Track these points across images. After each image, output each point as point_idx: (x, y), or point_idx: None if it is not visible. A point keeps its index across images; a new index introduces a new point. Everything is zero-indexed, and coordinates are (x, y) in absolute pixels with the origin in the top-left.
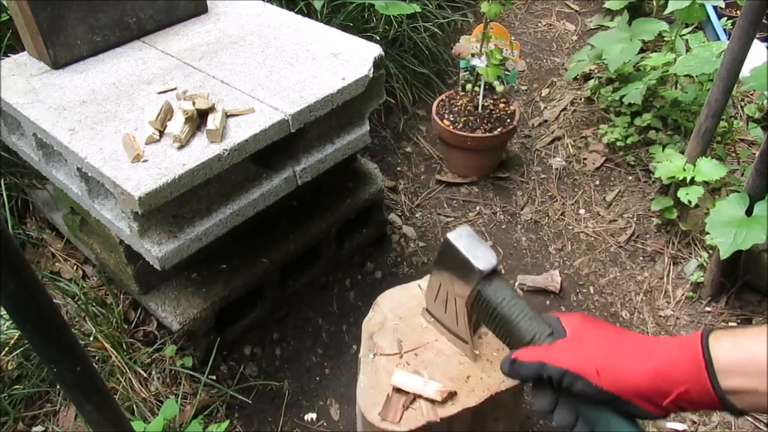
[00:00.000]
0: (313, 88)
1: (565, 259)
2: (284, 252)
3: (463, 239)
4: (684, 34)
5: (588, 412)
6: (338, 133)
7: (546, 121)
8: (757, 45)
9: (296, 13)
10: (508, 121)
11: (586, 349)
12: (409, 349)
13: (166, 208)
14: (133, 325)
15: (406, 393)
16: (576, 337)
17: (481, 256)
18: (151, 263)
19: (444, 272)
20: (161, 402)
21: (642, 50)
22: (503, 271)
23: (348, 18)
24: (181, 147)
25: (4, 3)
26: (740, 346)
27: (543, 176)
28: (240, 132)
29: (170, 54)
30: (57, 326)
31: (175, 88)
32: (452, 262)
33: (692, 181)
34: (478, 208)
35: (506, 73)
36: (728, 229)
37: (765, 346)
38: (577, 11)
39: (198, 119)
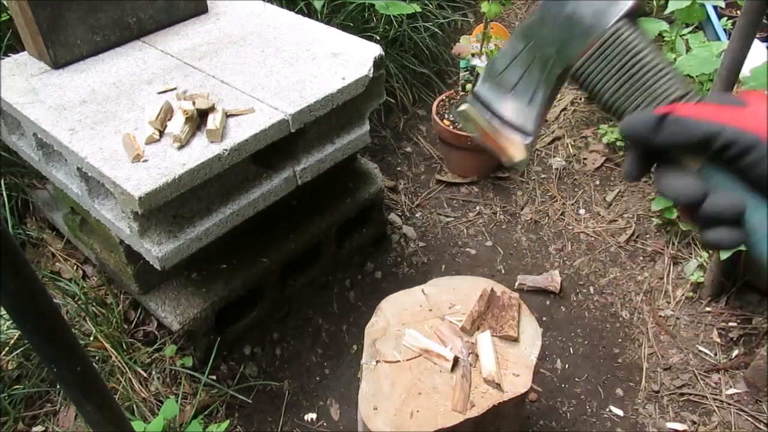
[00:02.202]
0: (313, 88)
1: (565, 259)
2: (284, 252)
3: None
4: (684, 34)
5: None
6: (338, 133)
7: (546, 121)
8: (757, 45)
9: (296, 13)
10: None
11: None
12: (412, 356)
13: (166, 208)
14: (133, 325)
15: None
16: (762, 105)
17: None
18: (151, 263)
19: (548, 19)
20: (161, 402)
21: None
22: (503, 271)
23: (348, 18)
24: (181, 147)
25: (4, 3)
26: None
27: (543, 176)
28: (240, 132)
29: (170, 54)
30: (57, 326)
31: (175, 88)
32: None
33: None
34: (478, 208)
35: None
36: None
37: None
38: None
39: (198, 119)
